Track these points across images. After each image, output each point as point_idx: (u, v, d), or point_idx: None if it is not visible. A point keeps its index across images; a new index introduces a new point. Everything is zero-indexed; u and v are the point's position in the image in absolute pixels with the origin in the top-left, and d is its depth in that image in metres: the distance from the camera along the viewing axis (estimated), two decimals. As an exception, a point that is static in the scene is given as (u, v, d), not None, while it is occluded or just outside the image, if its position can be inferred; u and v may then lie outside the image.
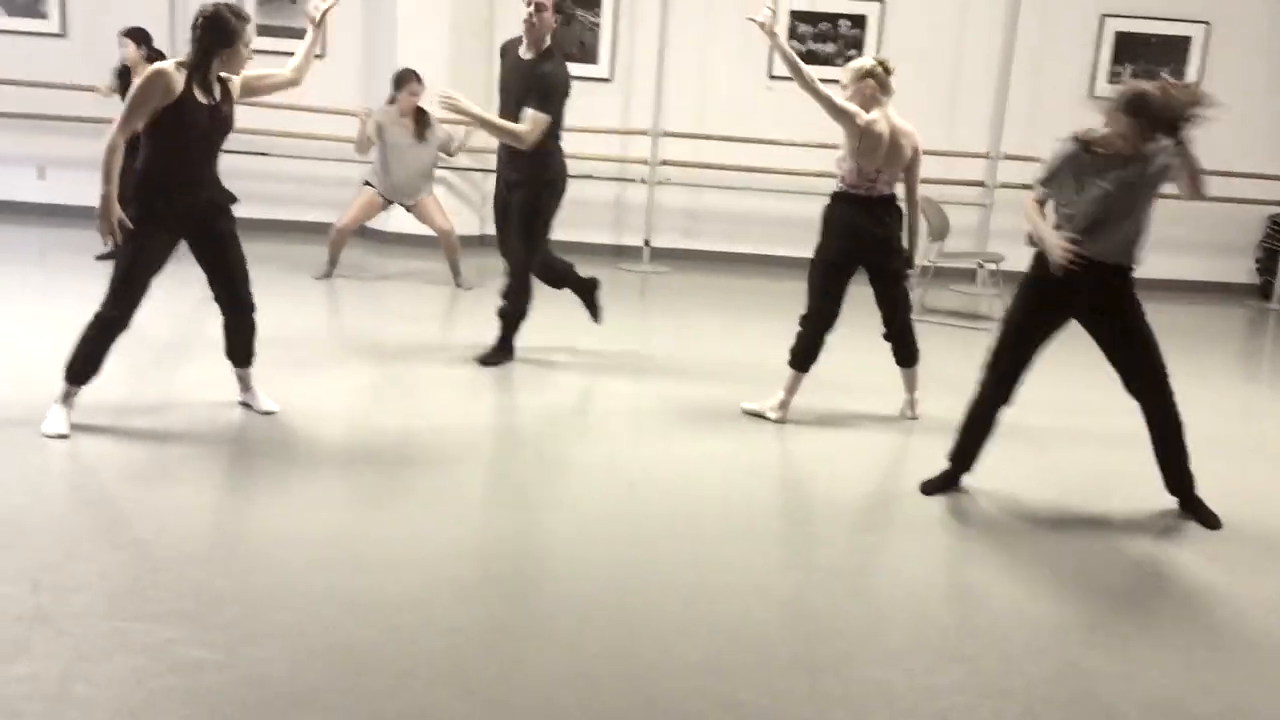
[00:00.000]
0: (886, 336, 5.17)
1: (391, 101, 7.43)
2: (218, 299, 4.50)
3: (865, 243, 4.93)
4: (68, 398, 4.26)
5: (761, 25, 4.73)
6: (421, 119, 7.44)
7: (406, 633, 2.97)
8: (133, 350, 4.68)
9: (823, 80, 4.73)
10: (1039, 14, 8.91)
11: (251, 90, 4.43)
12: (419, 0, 8.73)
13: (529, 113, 5.22)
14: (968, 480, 4.32)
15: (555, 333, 6.18)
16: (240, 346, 4.61)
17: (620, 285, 8.45)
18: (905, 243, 5.06)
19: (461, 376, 5.44)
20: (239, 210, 4.44)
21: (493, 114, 5.39)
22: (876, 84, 4.84)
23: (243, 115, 4.44)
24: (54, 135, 8.89)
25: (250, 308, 4.54)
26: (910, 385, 5.26)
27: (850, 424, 5.13)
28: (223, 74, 4.23)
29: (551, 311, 6.09)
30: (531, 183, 5.40)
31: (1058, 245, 3.96)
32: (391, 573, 3.31)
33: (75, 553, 3.29)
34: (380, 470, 4.16)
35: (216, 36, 4.09)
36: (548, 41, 5.27)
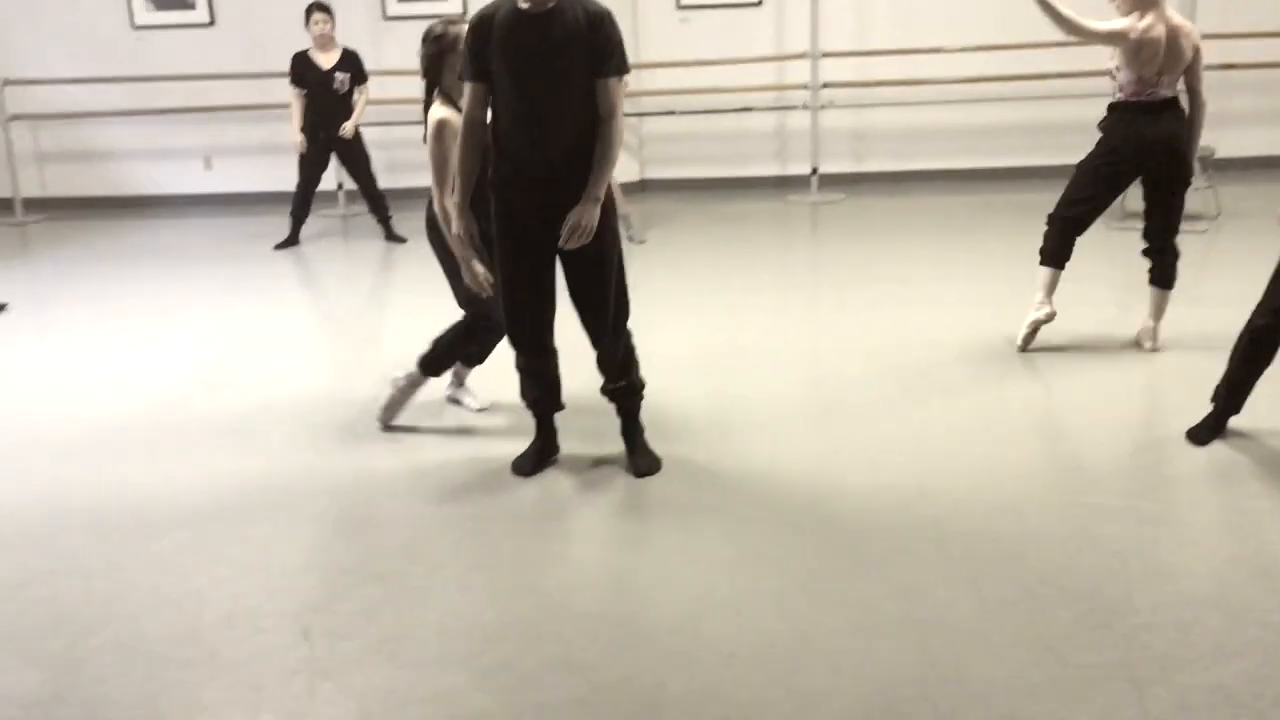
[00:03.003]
0: (1146, 252, 4.87)
1: None
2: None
3: (1151, 149, 4.64)
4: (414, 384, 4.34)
5: None
6: None
7: (681, 659, 2.82)
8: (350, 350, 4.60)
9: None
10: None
11: None
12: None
13: (612, 84, 3.46)
14: (1236, 422, 3.96)
15: (727, 291, 5.89)
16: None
17: (790, 218, 8.14)
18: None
19: (680, 355, 5.13)
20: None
21: None
22: None
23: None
24: (215, 125, 8.93)
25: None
26: (1157, 311, 4.91)
27: (1085, 361, 4.81)
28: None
29: (733, 263, 5.78)
30: (605, 198, 3.55)
31: None
32: (657, 594, 3.18)
33: (338, 591, 3.24)
34: (618, 474, 4.01)
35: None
36: None
